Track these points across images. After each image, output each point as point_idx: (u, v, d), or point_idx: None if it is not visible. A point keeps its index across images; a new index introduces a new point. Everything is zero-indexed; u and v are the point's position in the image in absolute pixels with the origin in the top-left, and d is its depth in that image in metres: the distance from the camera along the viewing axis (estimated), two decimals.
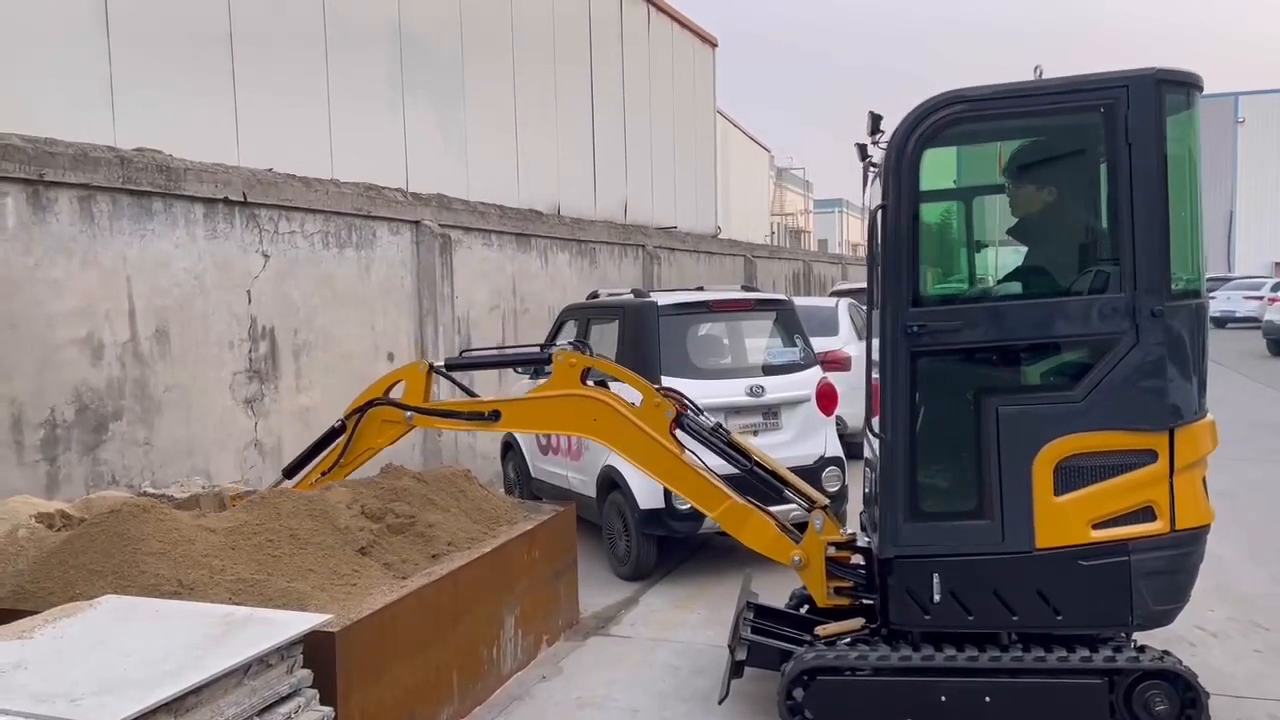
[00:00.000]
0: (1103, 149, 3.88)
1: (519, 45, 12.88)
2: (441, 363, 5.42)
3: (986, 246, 4.42)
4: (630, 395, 4.94)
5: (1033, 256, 4.23)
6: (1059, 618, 3.93)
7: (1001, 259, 4.35)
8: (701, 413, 4.91)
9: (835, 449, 7.00)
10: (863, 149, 4.81)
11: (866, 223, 4.44)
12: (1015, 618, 3.95)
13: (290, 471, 5.29)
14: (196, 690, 2.93)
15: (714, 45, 21.07)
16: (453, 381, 5.41)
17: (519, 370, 7.44)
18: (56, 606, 3.63)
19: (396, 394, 5.27)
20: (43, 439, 5.53)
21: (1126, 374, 3.80)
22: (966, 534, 3.97)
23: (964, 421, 4.01)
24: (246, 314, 7.02)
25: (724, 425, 4.97)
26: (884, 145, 3.88)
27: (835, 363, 9.28)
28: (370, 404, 5.15)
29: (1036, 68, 3.99)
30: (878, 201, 4.84)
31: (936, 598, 3.96)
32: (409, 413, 5.07)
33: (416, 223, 8.98)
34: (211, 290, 6.71)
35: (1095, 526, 3.87)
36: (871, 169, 4.78)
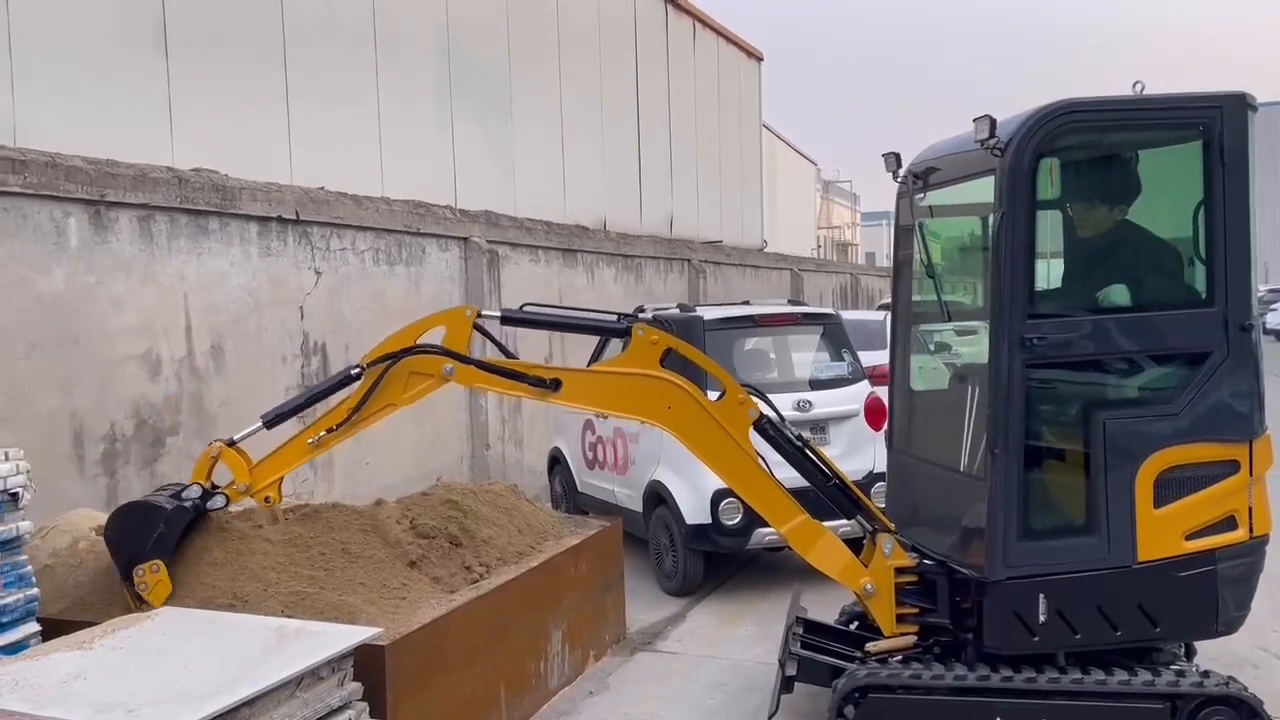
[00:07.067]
0: (1199, 164, 3.92)
1: (565, 60, 12.98)
2: (497, 316, 4.63)
3: (1087, 258, 4.39)
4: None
5: (1132, 268, 4.25)
6: (1157, 630, 3.93)
7: (1104, 272, 4.29)
8: (784, 419, 4.48)
9: (884, 465, 6.90)
10: (895, 159, 4.77)
11: (894, 232, 4.39)
12: (1118, 633, 3.92)
13: (271, 422, 4.57)
14: (250, 702, 2.98)
15: (760, 59, 21.04)
16: (491, 339, 4.65)
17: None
18: (116, 618, 3.71)
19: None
20: (103, 453, 5.66)
21: (1219, 386, 3.87)
22: (1074, 550, 3.96)
23: (1073, 436, 4.03)
24: (299, 330, 7.13)
25: (803, 436, 4.56)
26: (997, 151, 3.85)
27: (884, 377, 9.16)
28: (404, 352, 4.34)
29: (1137, 83, 4.01)
30: (908, 215, 4.83)
31: (1043, 618, 3.91)
32: (449, 366, 4.30)
33: (465, 239, 9.07)
34: (265, 306, 6.83)
35: (1188, 537, 3.90)
36: (913, 180, 4.73)
